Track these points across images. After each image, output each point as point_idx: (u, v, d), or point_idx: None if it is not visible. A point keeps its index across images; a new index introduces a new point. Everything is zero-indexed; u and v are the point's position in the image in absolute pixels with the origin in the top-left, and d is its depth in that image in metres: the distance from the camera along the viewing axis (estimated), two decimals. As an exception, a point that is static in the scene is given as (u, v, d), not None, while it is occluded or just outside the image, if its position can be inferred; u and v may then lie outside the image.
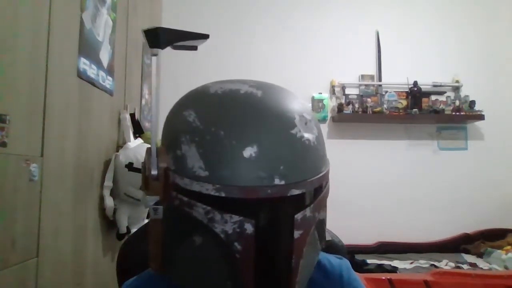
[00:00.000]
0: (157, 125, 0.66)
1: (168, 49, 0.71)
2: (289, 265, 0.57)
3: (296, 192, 0.57)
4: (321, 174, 0.61)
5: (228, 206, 0.56)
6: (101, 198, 1.83)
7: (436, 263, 2.63)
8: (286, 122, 0.59)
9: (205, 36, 0.72)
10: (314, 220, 0.60)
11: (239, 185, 0.55)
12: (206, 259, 0.59)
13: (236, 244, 0.56)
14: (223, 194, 0.56)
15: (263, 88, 0.64)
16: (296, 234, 0.57)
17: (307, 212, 0.59)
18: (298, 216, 0.58)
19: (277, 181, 0.56)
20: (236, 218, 0.56)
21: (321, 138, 0.64)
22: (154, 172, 0.61)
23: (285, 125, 0.59)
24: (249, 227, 0.56)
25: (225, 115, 0.59)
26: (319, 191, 0.62)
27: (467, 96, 3.25)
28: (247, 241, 0.56)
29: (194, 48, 0.77)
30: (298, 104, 0.64)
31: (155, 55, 0.66)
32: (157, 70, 0.67)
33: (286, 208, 0.58)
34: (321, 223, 0.66)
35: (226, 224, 0.56)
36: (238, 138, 0.57)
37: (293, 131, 0.59)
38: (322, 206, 0.65)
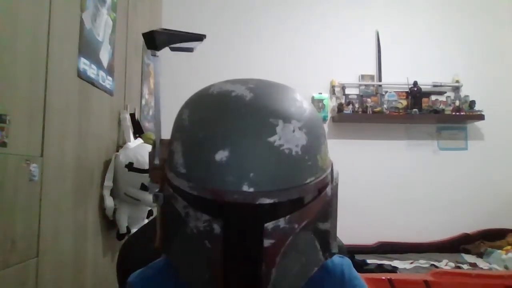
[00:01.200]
0: (159, 122, 0.70)
1: (169, 49, 0.72)
2: (256, 272, 0.57)
3: (266, 201, 0.56)
4: (304, 185, 0.59)
5: (201, 205, 0.58)
6: (101, 198, 1.83)
7: (436, 263, 2.63)
8: (265, 129, 0.57)
9: (200, 37, 0.74)
10: (292, 231, 0.59)
11: (208, 186, 0.57)
12: (190, 250, 0.62)
13: (206, 242, 0.58)
14: (195, 193, 0.58)
15: (259, 89, 0.63)
16: (267, 242, 0.57)
17: (281, 222, 0.58)
18: (269, 225, 0.57)
19: (245, 188, 0.56)
20: (206, 217, 0.58)
21: (313, 147, 0.61)
22: (156, 161, 0.66)
23: (262, 132, 0.57)
24: (216, 228, 0.57)
25: (208, 117, 0.61)
26: (301, 202, 0.61)
27: (467, 96, 3.25)
28: (215, 240, 0.57)
29: (190, 50, 0.79)
30: (291, 109, 0.61)
31: (154, 56, 0.70)
32: (158, 70, 0.69)
33: (256, 216, 0.57)
34: (323, 234, 0.64)
35: (198, 221, 0.59)
36: (213, 141, 0.58)
37: (271, 139, 0.57)
38: (322, 216, 0.63)
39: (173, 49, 0.75)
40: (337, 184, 0.67)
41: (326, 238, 0.65)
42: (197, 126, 0.61)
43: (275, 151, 0.57)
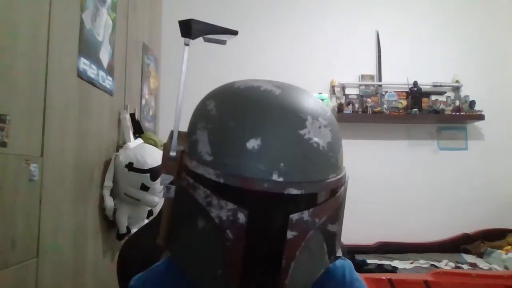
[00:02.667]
0: (180, 115, 0.68)
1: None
2: (278, 264, 0.57)
3: (294, 191, 0.57)
4: (326, 180, 0.60)
5: (226, 194, 0.58)
6: (101, 198, 1.83)
7: (436, 263, 2.63)
8: (296, 122, 0.59)
9: (235, 32, 0.77)
10: (313, 225, 0.59)
11: (238, 174, 0.57)
12: (203, 244, 0.61)
13: (228, 231, 0.57)
14: (222, 180, 0.57)
15: (284, 87, 0.65)
16: (290, 234, 0.57)
17: (305, 215, 0.58)
18: (294, 216, 0.57)
19: (275, 177, 0.56)
20: (230, 205, 0.57)
21: (336, 146, 0.63)
22: (172, 153, 0.64)
23: (293, 124, 0.59)
24: (241, 217, 0.57)
25: (239, 107, 0.61)
26: (323, 197, 0.62)
27: (467, 96, 3.25)
28: (238, 230, 0.57)
29: (223, 42, 0.81)
30: (317, 107, 0.63)
31: (187, 44, 0.70)
32: (185, 59, 0.70)
33: (282, 206, 0.58)
34: (331, 236, 0.65)
35: (222, 210, 0.58)
36: (245, 129, 0.58)
37: (302, 132, 0.58)
38: (332, 218, 0.64)
39: (206, 40, 0.77)
40: (346, 188, 0.68)
41: (333, 241, 0.66)
42: (227, 115, 0.61)
43: (305, 143, 0.58)
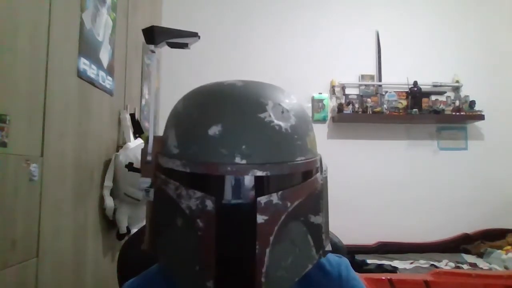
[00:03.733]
0: (155, 119, 0.72)
1: (169, 50, 0.74)
2: (252, 251, 0.56)
3: (258, 173, 0.57)
4: (293, 162, 0.60)
5: (194, 183, 0.59)
6: (101, 198, 1.83)
7: (436, 263, 2.63)
8: (256, 106, 0.60)
9: (195, 34, 0.80)
10: (285, 209, 0.58)
11: (201, 160, 0.58)
12: (182, 242, 0.61)
13: (198, 221, 0.57)
14: (188, 170, 0.59)
15: (248, 81, 0.66)
16: (260, 218, 0.56)
17: (274, 198, 0.57)
18: (262, 199, 0.57)
19: (237, 160, 0.57)
20: (198, 194, 0.58)
21: (301, 129, 0.63)
22: (148, 158, 0.67)
23: (253, 108, 0.60)
24: (209, 204, 0.57)
25: (203, 100, 0.64)
26: (293, 180, 0.61)
27: (467, 96, 3.25)
28: (208, 218, 0.57)
29: (186, 46, 0.84)
30: (281, 96, 0.64)
31: (153, 51, 0.76)
32: (155, 66, 0.73)
33: (249, 189, 0.58)
34: (316, 228, 0.64)
35: (190, 199, 0.58)
36: (206, 117, 0.60)
37: (262, 115, 0.59)
38: (312, 208, 0.63)
39: (170, 45, 0.80)
40: (326, 177, 0.68)
41: (318, 234, 0.65)
42: (191, 108, 0.64)
43: (265, 126, 0.59)
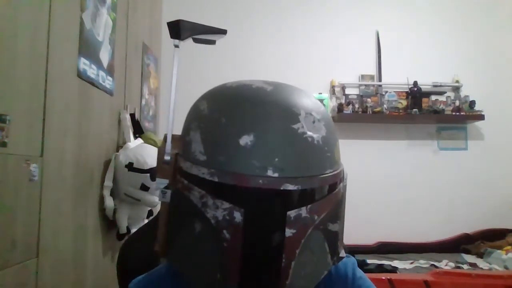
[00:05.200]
0: (173, 117, 0.68)
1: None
2: (278, 264, 0.56)
3: (290, 187, 0.55)
4: (324, 175, 0.59)
5: (221, 193, 0.57)
6: (101, 198, 1.83)
7: (436, 263, 2.63)
8: (289, 116, 0.58)
9: (224, 31, 0.76)
10: (312, 222, 0.58)
11: (232, 171, 0.56)
12: (201, 247, 0.59)
13: (224, 232, 0.56)
14: (216, 179, 0.56)
15: (276, 85, 0.64)
16: (288, 232, 0.56)
17: (303, 211, 0.57)
18: (292, 213, 0.56)
19: (270, 173, 0.55)
20: (226, 205, 0.56)
21: (331, 140, 0.61)
22: (167, 157, 0.64)
23: (287, 119, 0.58)
24: (238, 216, 0.55)
25: (230, 105, 0.60)
26: (321, 193, 0.60)
27: (467, 96, 3.25)
28: (235, 230, 0.55)
29: (213, 42, 0.80)
30: (310, 103, 0.62)
31: (177, 46, 0.69)
32: (177, 62, 0.69)
33: (279, 203, 0.57)
34: (333, 236, 0.64)
35: (217, 210, 0.56)
36: (237, 125, 0.57)
37: (295, 126, 0.57)
38: (332, 216, 0.63)
39: (196, 40, 0.77)
40: (345, 185, 0.67)
41: (334, 241, 0.64)
42: (219, 113, 0.60)
43: (299, 138, 0.57)
